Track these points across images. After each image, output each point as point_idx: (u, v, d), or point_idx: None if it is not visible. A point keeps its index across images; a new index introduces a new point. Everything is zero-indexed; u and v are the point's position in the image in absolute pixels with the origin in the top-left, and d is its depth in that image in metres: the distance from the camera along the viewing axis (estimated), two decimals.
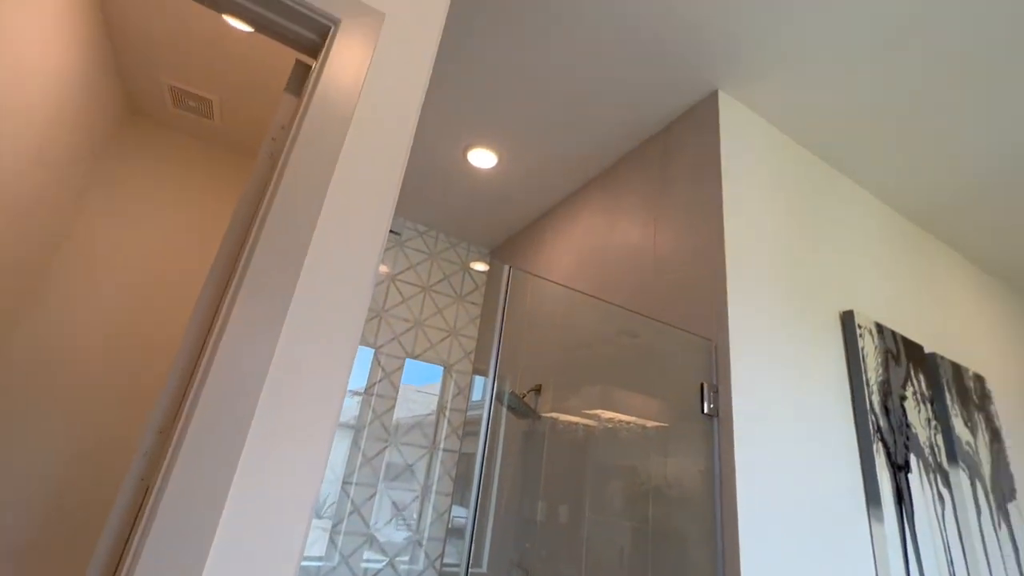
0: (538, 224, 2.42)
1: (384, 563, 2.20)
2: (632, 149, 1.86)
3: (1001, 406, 1.96)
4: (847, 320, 1.51)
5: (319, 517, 2.17)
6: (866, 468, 1.34)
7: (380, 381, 2.38)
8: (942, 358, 1.74)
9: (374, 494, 2.27)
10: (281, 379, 0.69)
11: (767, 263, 1.40)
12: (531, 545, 1.65)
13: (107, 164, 2.05)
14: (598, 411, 1.53)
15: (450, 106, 1.79)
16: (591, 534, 1.40)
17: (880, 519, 1.28)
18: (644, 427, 1.34)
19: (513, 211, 2.43)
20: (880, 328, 1.57)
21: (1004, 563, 1.56)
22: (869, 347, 1.50)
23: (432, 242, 2.72)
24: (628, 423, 1.39)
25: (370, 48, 0.95)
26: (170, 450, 0.64)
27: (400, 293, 2.53)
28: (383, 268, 2.60)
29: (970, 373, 1.86)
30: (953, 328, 1.96)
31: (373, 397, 2.34)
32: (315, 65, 0.99)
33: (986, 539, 1.54)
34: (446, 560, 2.39)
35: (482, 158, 2.05)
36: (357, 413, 2.32)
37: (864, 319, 1.53)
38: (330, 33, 0.95)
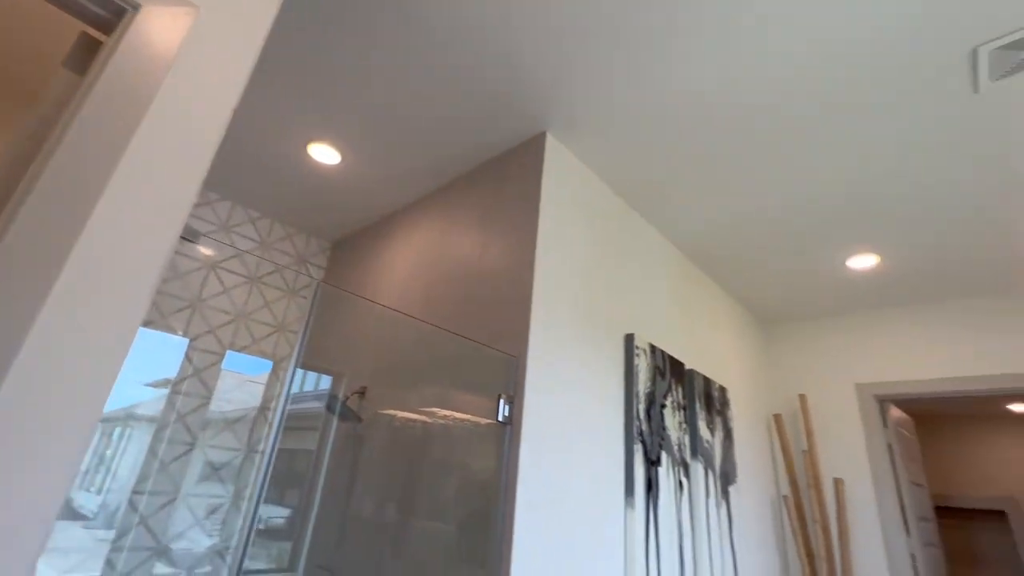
0: (382, 224, 2.43)
1: None
2: (470, 170, 1.99)
3: (735, 410, 2.54)
4: (628, 342, 1.82)
5: (91, 528, 1.90)
6: (628, 465, 1.64)
7: (190, 377, 2.17)
8: (697, 373, 2.20)
9: (173, 499, 2.06)
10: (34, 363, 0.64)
11: (569, 290, 1.63)
12: (344, 546, 1.67)
13: None
14: (414, 415, 1.62)
15: (293, 98, 1.72)
16: (400, 530, 1.48)
17: (633, 506, 1.59)
18: (452, 432, 1.47)
19: (356, 209, 2.41)
20: (653, 348, 1.93)
21: (720, 532, 2.04)
22: (643, 364, 1.83)
23: (265, 230, 2.54)
24: (440, 427, 1.51)
25: (178, 36, 0.90)
26: None
27: (222, 282, 2.33)
28: (204, 251, 2.36)
29: (716, 385, 2.37)
30: (709, 347, 2.48)
31: (180, 396, 2.12)
32: (107, 42, 0.90)
33: (710, 515, 1.99)
34: (253, 566, 2.27)
35: (325, 154, 1.99)
36: (159, 411, 2.08)
37: (641, 340, 1.87)
38: (127, 14, 0.88)
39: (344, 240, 2.73)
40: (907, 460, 2.86)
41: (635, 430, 1.69)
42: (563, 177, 1.75)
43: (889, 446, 2.71)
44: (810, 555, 2.48)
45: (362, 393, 2.07)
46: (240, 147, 2.03)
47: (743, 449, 2.53)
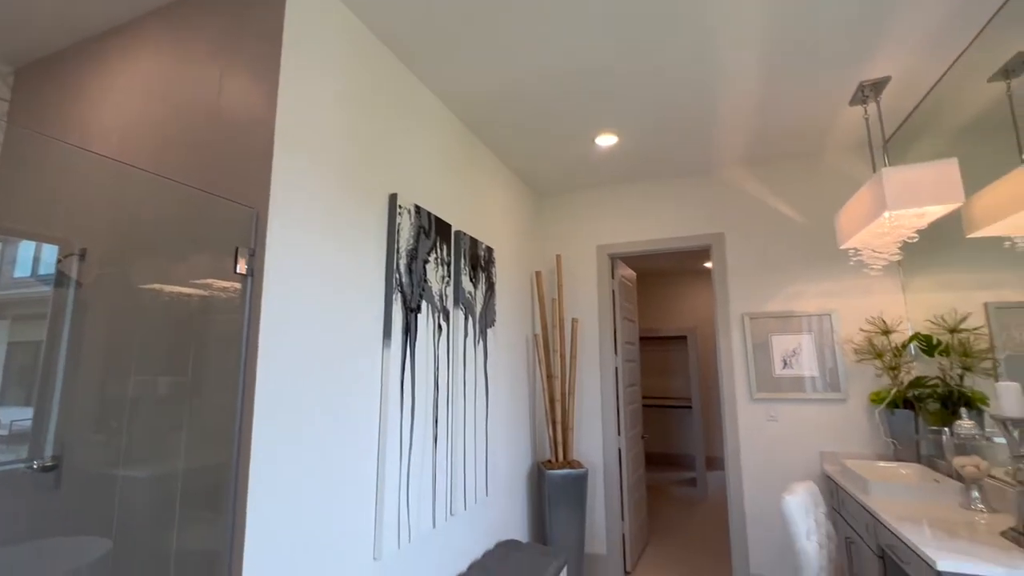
0: (93, 47, 1.89)
1: None
2: None
3: (500, 268, 2.92)
4: (392, 201, 1.90)
5: None
6: (387, 313, 1.82)
7: None
8: (464, 235, 2.43)
9: None
10: None
11: (322, 141, 1.58)
12: (76, 427, 1.54)
13: None
14: (144, 278, 1.48)
15: None
16: (134, 399, 1.42)
17: (389, 346, 1.80)
18: (187, 288, 1.40)
19: (47, 21, 1.81)
20: (418, 209, 2.04)
21: (475, 364, 2.46)
22: (406, 223, 1.95)
23: None
24: (171, 286, 1.42)
25: None
26: None
27: None
28: None
29: (483, 246, 2.67)
30: (481, 212, 2.73)
31: None
32: None
33: (467, 351, 2.37)
34: None
35: None
36: None
37: (406, 201, 1.96)
38: None
39: (35, 67, 2.07)
40: (625, 302, 3.75)
41: (395, 282, 1.85)
42: (315, 14, 1.58)
43: (613, 292, 3.50)
44: (550, 376, 3.18)
45: (82, 256, 1.77)
46: None
47: (505, 300, 2.99)
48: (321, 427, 1.49)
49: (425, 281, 2.06)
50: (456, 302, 2.32)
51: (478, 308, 2.54)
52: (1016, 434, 1.62)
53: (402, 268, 1.90)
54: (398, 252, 1.88)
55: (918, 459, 2.54)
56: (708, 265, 5.81)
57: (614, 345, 3.42)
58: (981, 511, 1.87)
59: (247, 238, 1.35)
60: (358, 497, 1.63)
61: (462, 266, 2.39)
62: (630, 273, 3.98)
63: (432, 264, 2.13)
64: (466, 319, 2.40)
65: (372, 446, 1.72)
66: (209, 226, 1.40)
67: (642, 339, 6.46)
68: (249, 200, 1.39)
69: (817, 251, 2.97)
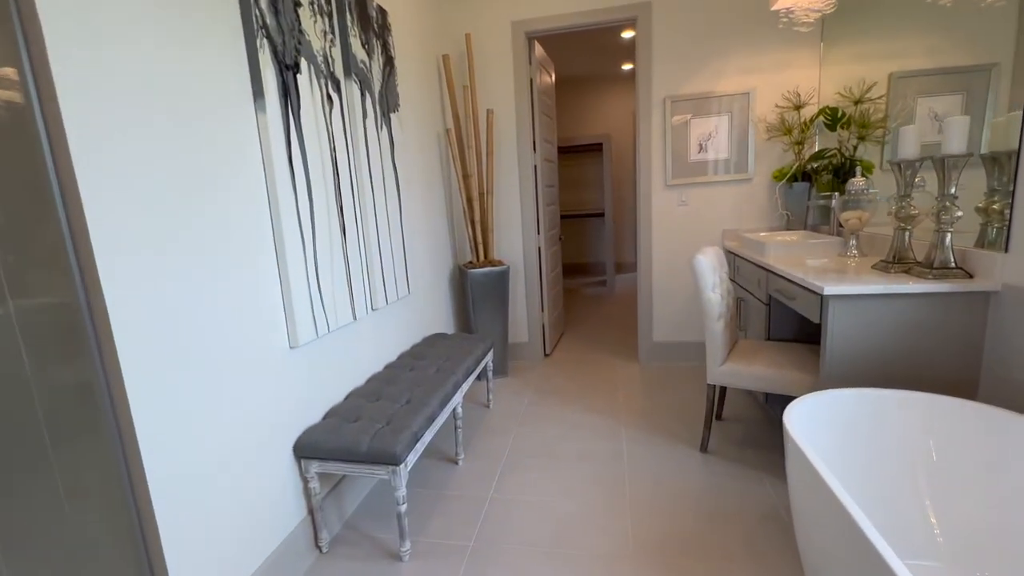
0: None
1: None
2: None
3: (398, 40, 2.43)
4: None
5: None
6: (252, 62, 1.41)
7: None
8: None
9: None
10: None
11: None
12: None
13: None
14: None
15: None
16: None
17: (264, 109, 1.43)
18: None
19: None
20: None
21: (381, 152, 2.15)
22: None
23: None
24: None
25: None
26: None
27: None
28: None
29: (375, 4, 2.14)
30: None
31: None
32: None
33: (369, 135, 2.04)
34: None
35: None
36: None
37: None
38: None
39: None
40: (544, 96, 3.43)
41: (256, 20, 1.40)
42: None
43: (531, 80, 3.14)
44: (466, 175, 2.97)
45: None
46: None
47: (410, 83, 2.56)
48: (193, 211, 1.20)
49: (301, 32, 1.61)
50: (348, 71, 1.90)
51: (376, 85, 2.14)
52: (907, 175, 1.73)
53: (263, 5, 1.44)
54: None
55: (804, 228, 2.80)
56: (627, 67, 5.45)
57: (532, 142, 3.21)
58: (855, 256, 2.11)
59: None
60: (260, 289, 1.44)
61: (349, 24, 1.91)
62: (545, 56, 3.58)
63: (306, 9, 1.65)
64: (363, 96, 2.01)
65: (266, 233, 1.47)
66: None
67: (559, 149, 6.28)
68: None
69: (746, 17, 2.76)
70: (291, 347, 1.57)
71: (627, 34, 4.32)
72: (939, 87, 1.93)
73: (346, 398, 1.85)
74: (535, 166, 3.26)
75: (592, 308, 4.89)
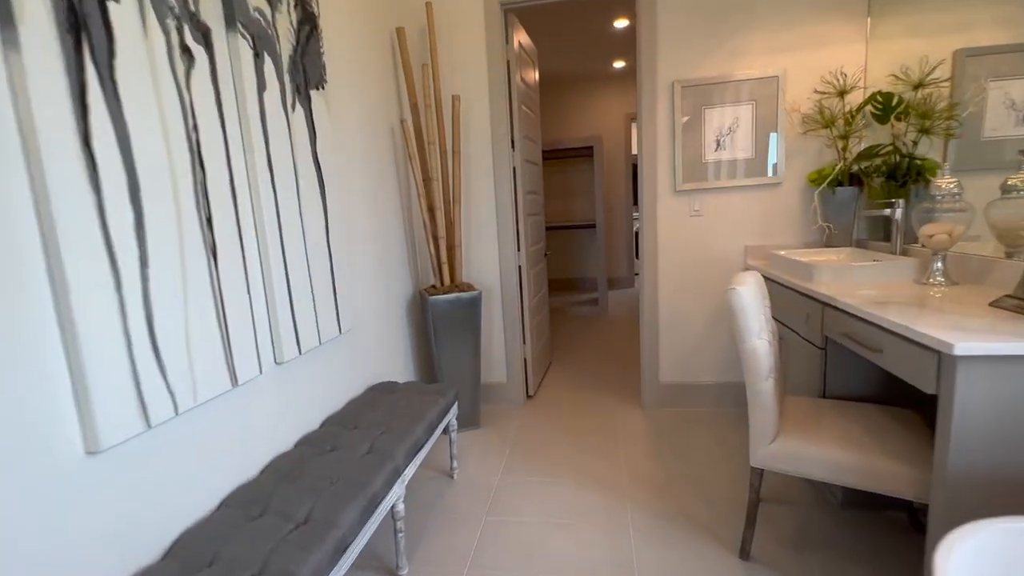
0: None
1: None
2: None
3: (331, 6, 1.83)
4: None
5: None
6: None
7: None
8: None
9: None
10: None
11: None
12: None
13: None
14: None
15: None
16: None
17: (16, 46, 0.82)
18: None
19: None
20: None
21: (292, 140, 1.54)
22: None
23: None
24: None
25: None
26: None
27: None
28: None
29: None
30: None
31: None
32: None
33: (268, 116, 1.43)
34: None
35: None
36: None
37: None
38: None
39: None
40: (524, 86, 2.86)
41: None
42: None
43: (508, 63, 2.57)
44: (427, 179, 2.36)
45: None
46: None
47: (347, 59, 1.96)
48: None
49: None
50: (230, 20, 1.30)
51: (284, 49, 1.53)
52: None
53: None
54: None
55: (851, 244, 2.24)
56: (619, 65, 4.92)
57: (511, 139, 2.62)
58: (940, 284, 1.54)
59: None
60: (9, 356, 0.81)
61: None
62: (528, 42, 3.01)
63: None
64: (258, 60, 1.40)
65: (24, 261, 0.85)
66: None
67: (543, 154, 5.71)
68: None
69: None
70: (88, 452, 0.94)
71: (620, 23, 3.79)
72: (1018, 67, 1.52)
73: (218, 507, 1.22)
74: (514, 168, 2.67)
75: (583, 332, 4.29)
